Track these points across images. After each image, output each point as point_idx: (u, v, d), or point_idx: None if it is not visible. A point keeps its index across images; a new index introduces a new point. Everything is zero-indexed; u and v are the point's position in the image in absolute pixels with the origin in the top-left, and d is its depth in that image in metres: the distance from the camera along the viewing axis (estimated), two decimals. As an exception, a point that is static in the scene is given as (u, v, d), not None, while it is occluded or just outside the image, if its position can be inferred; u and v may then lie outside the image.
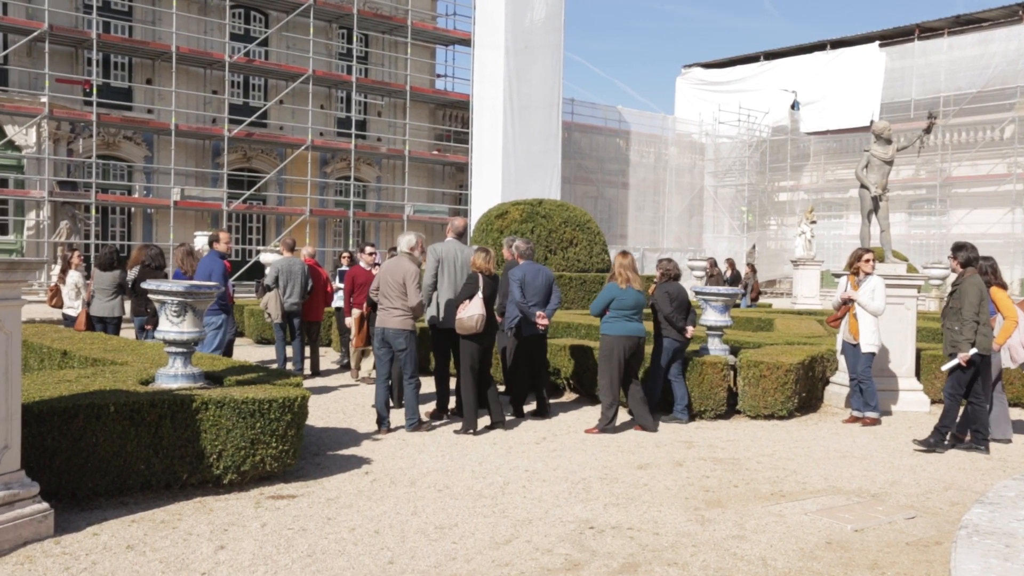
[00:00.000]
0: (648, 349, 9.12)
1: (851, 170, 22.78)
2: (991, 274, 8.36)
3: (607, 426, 8.39)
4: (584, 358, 10.01)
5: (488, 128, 29.69)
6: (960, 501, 6.31)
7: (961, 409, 8.23)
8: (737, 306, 17.64)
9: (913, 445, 7.98)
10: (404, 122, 32.69)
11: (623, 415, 9.05)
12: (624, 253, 8.79)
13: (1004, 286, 8.43)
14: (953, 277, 8.35)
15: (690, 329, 8.97)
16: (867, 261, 9.31)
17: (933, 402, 10.20)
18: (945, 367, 8.15)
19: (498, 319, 9.08)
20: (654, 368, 9.02)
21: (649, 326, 9.15)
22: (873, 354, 9.17)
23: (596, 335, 10.26)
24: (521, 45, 29.75)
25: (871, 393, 9.13)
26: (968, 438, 8.14)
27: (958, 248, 8.25)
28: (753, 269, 21.28)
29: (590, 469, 6.95)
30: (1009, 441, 8.41)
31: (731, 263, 20.71)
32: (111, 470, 5.55)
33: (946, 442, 8.03)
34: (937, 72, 35.51)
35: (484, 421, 8.45)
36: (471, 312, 8.05)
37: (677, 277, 9.22)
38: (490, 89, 29.57)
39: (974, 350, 7.87)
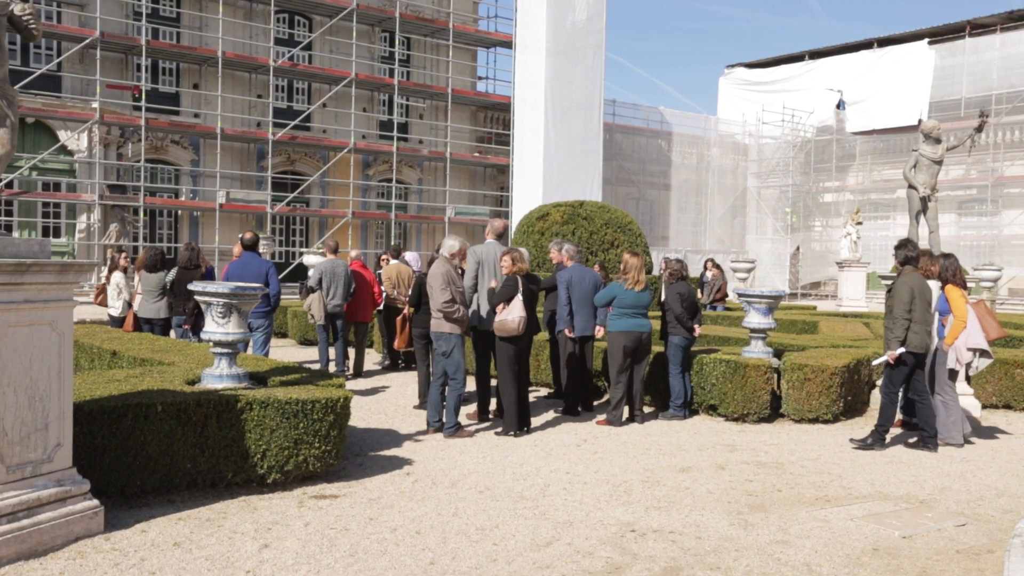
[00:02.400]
0: (658, 348, 9.43)
1: (899, 170, 22.40)
2: (949, 272, 8.37)
3: (612, 416, 8.75)
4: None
5: (529, 130, 29.70)
6: (1014, 508, 6.16)
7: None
8: (714, 308, 17.35)
9: (850, 444, 7.99)
10: (446, 124, 32.85)
11: (645, 408, 9.33)
12: (635, 253, 9.02)
13: (962, 285, 8.40)
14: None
15: (697, 328, 9.26)
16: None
17: (984, 406, 9.97)
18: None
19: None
20: (672, 367, 9.18)
21: (656, 324, 9.44)
22: None
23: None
24: (562, 47, 29.71)
25: None
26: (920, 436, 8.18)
27: (899, 246, 8.32)
28: (720, 270, 20.84)
29: (631, 472, 6.91)
30: (961, 445, 8.18)
31: (710, 263, 20.34)
32: (159, 468, 5.65)
33: (886, 441, 8.06)
34: (989, 69, 34.73)
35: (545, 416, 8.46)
36: (513, 315, 8.05)
37: (685, 277, 9.43)
38: (531, 91, 29.58)
39: (901, 349, 7.87)
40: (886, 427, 8.03)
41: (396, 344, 11.38)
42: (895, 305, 7.91)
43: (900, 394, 8.38)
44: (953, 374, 8.30)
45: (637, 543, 5.19)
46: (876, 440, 7.96)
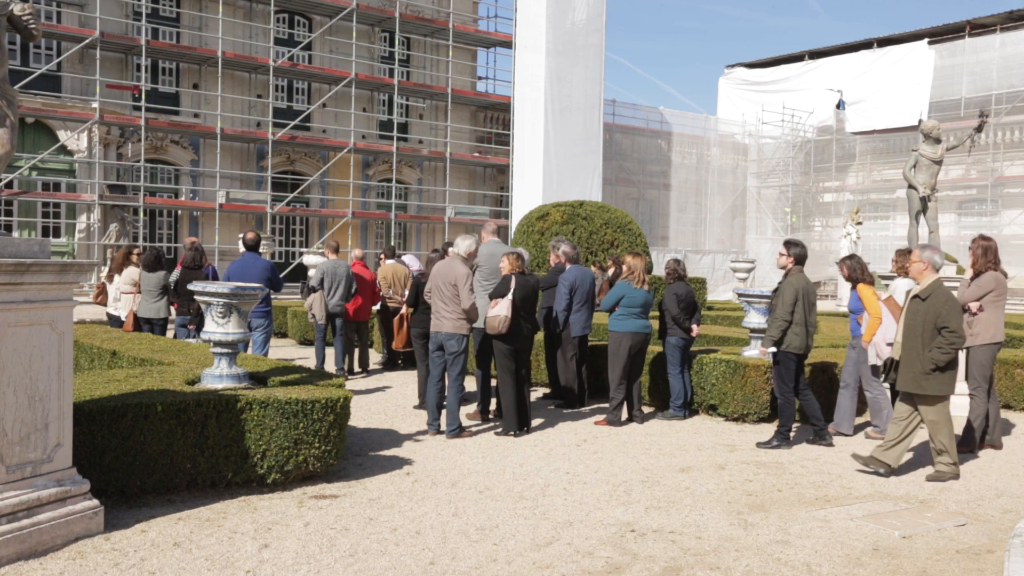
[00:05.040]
0: (657, 348, 9.50)
1: (898, 170, 22.40)
2: (858, 272, 8.52)
3: (612, 416, 8.77)
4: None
5: (529, 130, 29.68)
6: (1013, 508, 6.16)
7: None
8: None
9: (757, 448, 7.91)
10: (445, 124, 32.84)
11: (643, 409, 9.43)
12: (637, 255, 9.06)
13: (871, 282, 8.51)
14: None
15: (695, 328, 9.23)
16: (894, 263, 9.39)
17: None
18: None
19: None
20: (671, 367, 9.19)
21: (655, 324, 9.50)
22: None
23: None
24: (562, 47, 29.69)
25: None
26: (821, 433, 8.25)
27: (789, 244, 8.30)
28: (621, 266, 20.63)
29: (631, 472, 6.91)
30: (850, 435, 8.48)
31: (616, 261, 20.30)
32: (158, 468, 5.65)
33: (790, 439, 8.07)
34: (988, 69, 34.73)
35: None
36: (496, 312, 8.09)
37: (682, 277, 9.46)
38: (531, 91, 29.56)
39: (773, 348, 7.94)
40: (787, 426, 7.99)
41: (394, 344, 11.40)
42: (779, 306, 7.92)
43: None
44: (876, 370, 8.39)
45: (637, 543, 5.19)
46: (781, 440, 7.93)
